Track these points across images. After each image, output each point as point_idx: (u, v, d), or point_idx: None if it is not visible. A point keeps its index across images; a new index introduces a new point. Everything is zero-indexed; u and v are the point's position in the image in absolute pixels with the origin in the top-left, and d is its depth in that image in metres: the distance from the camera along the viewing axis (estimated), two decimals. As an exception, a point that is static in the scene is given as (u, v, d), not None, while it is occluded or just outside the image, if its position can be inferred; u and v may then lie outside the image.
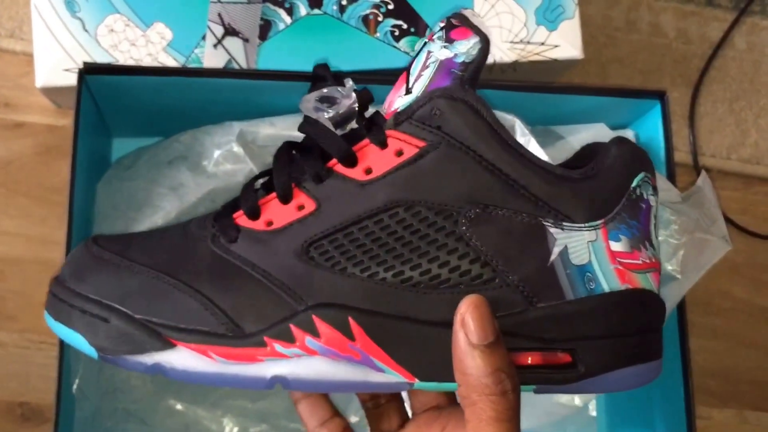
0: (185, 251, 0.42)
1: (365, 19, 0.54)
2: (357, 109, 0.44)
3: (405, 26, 0.54)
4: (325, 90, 0.45)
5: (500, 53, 0.54)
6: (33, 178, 0.59)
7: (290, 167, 0.42)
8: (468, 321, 0.37)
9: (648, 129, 0.56)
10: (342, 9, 0.54)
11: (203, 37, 0.53)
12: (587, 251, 0.39)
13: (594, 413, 0.56)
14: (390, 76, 0.45)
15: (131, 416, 0.56)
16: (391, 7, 0.54)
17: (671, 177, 0.53)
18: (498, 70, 0.56)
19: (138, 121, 0.58)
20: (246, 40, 0.54)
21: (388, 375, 0.40)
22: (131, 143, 0.58)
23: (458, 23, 0.41)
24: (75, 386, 0.53)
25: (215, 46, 0.53)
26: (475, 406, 0.37)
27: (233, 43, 0.53)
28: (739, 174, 0.66)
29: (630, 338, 0.40)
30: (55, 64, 0.52)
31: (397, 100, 0.41)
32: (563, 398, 0.54)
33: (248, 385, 0.41)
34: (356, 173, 0.41)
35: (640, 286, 0.40)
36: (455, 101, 0.40)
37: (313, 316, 0.40)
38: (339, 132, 0.43)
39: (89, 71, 0.49)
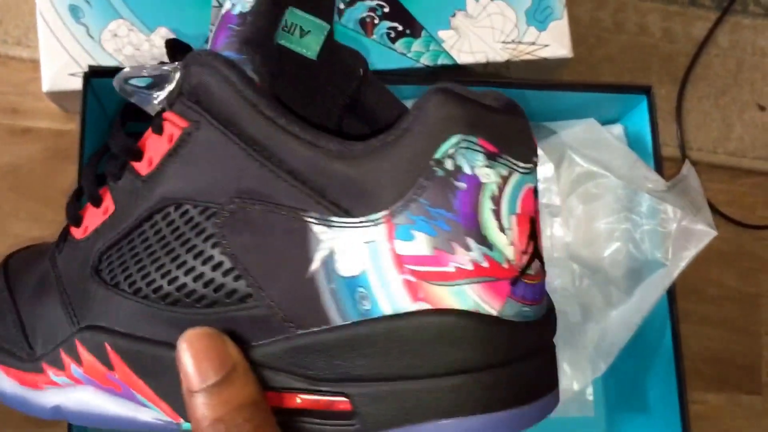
0: (32, 266, 0.38)
1: (362, 22, 0.55)
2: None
3: (400, 28, 0.55)
4: (147, 67, 0.35)
5: (493, 53, 0.56)
6: (42, 182, 0.60)
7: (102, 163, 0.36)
8: (184, 361, 0.30)
9: (636, 123, 0.58)
10: (340, 12, 0.56)
11: (206, 41, 0.54)
12: (361, 257, 0.29)
13: (591, 397, 0.57)
14: (386, 76, 0.47)
15: None
16: (386, 9, 0.55)
17: (659, 169, 0.55)
18: (492, 69, 0.57)
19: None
20: (247, 44, 0.55)
21: (154, 412, 0.33)
22: (137, 146, 0.59)
23: None
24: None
25: (217, 49, 0.55)
26: None
27: (235, 47, 0.55)
28: (725, 167, 0.67)
29: (428, 381, 0.29)
30: (61, 69, 0.53)
31: None
32: (561, 383, 0.54)
33: (38, 414, 0.36)
34: (142, 166, 0.34)
35: (448, 305, 0.28)
36: (205, 67, 0.31)
37: (76, 341, 0.34)
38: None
39: (94, 74, 0.50)
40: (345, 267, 0.29)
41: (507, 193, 0.29)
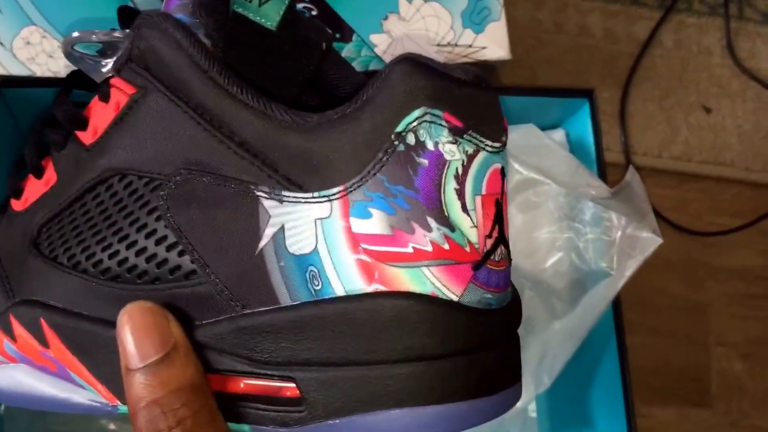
0: None
1: (288, 25, 0.54)
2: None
3: (330, 32, 0.54)
4: (97, 32, 0.34)
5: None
6: (-48, 200, 0.57)
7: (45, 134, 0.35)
8: (123, 337, 0.29)
9: (578, 128, 0.57)
10: (264, 15, 0.54)
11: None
12: (313, 234, 0.27)
13: (534, 414, 0.56)
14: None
15: (62, 439, 0.55)
16: (314, 12, 0.54)
17: (602, 175, 0.54)
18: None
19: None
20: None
21: (90, 393, 0.32)
22: (53, 159, 0.57)
23: None
24: (2, 409, 0.51)
25: (135, 56, 0.52)
26: None
27: (154, 53, 0.53)
28: (671, 171, 0.67)
29: (380, 368, 0.27)
30: None
31: None
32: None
33: None
34: (86, 136, 0.32)
35: (405, 288, 0.27)
36: (155, 30, 0.30)
37: (10, 315, 0.33)
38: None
39: (5, 84, 0.48)
40: (296, 244, 0.27)
41: (472, 172, 0.27)
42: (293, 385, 0.28)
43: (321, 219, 0.27)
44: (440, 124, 0.27)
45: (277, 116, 0.28)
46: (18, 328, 0.32)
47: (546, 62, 0.66)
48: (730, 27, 0.69)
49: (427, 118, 0.26)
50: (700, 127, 0.68)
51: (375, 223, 0.27)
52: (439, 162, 0.27)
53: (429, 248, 0.27)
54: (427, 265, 0.27)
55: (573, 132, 0.58)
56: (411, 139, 0.26)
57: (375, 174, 0.27)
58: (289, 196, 0.27)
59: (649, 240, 0.51)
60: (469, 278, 0.27)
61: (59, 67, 0.52)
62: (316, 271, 0.27)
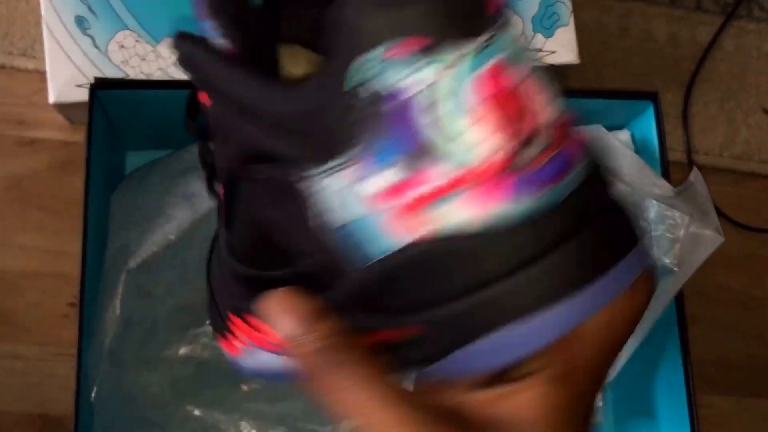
0: None
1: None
2: None
3: None
4: None
5: (499, 60, 0.56)
6: (48, 193, 0.60)
7: None
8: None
9: (643, 129, 0.58)
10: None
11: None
12: (339, 205, 0.26)
13: (600, 403, 0.57)
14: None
15: (150, 423, 0.57)
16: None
17: (666, 174, 0.55)
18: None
19: (150, 133, 0.59)
20: (254, 53, 0.55)
21: None
22: (144, 156, 0.59)
23: None
24: (93, 395, 0.54)
25: (224, 59, 0.54)
26: None
27: (242, 57, 0.55)
28: (731, 170, 0.68)
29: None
30: (68, 81, 0.53)
31: None
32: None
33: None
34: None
35: (441, 224, 0.25)
36: (178, 49, 0.29)
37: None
38: None
39: (100, 86, 0.50)
40: (329, 213, 0.26)
41: (443, 96, 0.24)
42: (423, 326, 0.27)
43: (341, 188, 0.25)
44: (386, 63, 0.23)
45: (283, 105, 0.26)
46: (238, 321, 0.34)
47: (612, 65, 0.67)
48: (789, 31, 0.70)
49: (375, 62, 0.23)
50: (759, 128, 0.68)
51: (386, 177, 0.24)
52: (401, 103, 0.24)
53: (447, 181, 0.24)
54: (451, 197, 0.24)
55: (638, 133, 0.59)
56: (363, 91, 0.24)
57: (359, 134, 0.24)
58: (316, 171, 0.26)
59: (712, 238, 0.53)
60: (502, 194, 0.24)
61: (151, 69, 0.55)
62: (364, 234, 0.26)
